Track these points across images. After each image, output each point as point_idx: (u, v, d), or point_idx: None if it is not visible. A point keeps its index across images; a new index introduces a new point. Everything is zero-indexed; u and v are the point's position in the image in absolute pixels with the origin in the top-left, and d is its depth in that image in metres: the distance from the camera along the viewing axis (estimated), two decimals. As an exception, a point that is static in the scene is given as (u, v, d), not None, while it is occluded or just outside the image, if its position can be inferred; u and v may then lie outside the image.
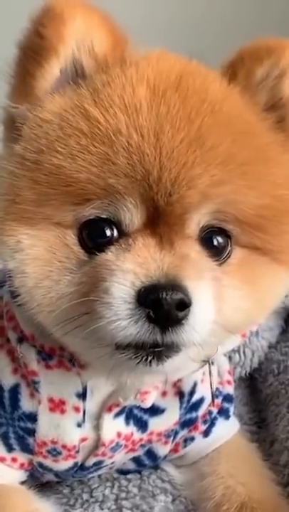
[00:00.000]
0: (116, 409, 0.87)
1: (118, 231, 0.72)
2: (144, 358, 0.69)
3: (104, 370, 0.79)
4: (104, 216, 0.71)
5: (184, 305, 0.66)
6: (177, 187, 0.69)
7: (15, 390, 0.87)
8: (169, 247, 0.70)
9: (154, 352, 0.69)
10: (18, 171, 0.71)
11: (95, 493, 0.95)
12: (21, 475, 0.92)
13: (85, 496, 0.95)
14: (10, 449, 0.89)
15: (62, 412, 0.86)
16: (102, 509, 0.92)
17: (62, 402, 0.85)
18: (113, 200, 0.70)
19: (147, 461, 0.97)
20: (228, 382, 1.02)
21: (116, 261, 0.69)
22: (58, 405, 0.86)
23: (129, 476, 0.98)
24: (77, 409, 0.86)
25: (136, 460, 0.96)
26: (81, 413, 0.86)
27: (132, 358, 0.69)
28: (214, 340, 0.74)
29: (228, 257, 0.75)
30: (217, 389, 0.98)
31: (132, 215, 0.71)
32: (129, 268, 0.68)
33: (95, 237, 0.72)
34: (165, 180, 0.68)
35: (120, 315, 0.66)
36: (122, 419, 0.88)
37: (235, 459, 0.95)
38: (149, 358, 0.69)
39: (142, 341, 0.67)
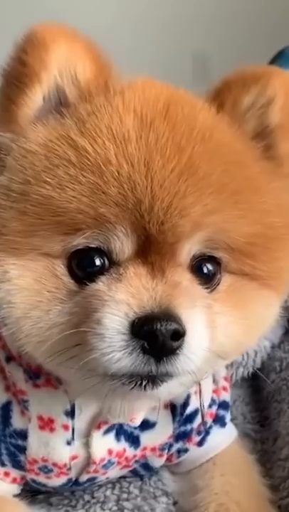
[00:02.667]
0: (105, 427, 0.88)
1: (108, 260, 0.72)
2: (138, 383, 0.69)
3: (96, 398, 0.80)
4: (94, 245, 0.71)
5: (179, 335, 0.67)
6: (170, 216, 0.69)
7: (6, 408, 0.89)
8: (161, 276, 0.71)
9: (149, 377, 0.69)
10: (3, 202, 0.71)
11: (96, 494, 0.97)
12: (14, 488, 0.94)
13: (87, 497, 0.97)
14: (2, 464, 0.90)
15: (52, 430, 0.87)
16: (104, 510, 0.94)
17: (51, 421, 0.86)
18: (104, 230, 0.70)
19: (143, 472, 0.99)
20: (224, 389, 1.03)
21: (108, 291, 0.69)
22: (47, 423, 0.86)
23: (130, 478, 1.00)
24: (66, 427, 0.87)
25: (131, 471, 0.97)
26: (70, 431, 0.87)
27: (126, 383, 0.70)
28: (206, 366, 0.74)
29: (218, 284, 0.76)
30: (212, 398, 0.98)
31: (123, 244, 0.71)
32: (122, 298, 0.68)
33: (85, 266, 0.72)
34: (157, 209, 0.69)
35: (114, 346, 0.66)
36: (112, 435, 0.89)
37: (231, 474, 0.95)
38: (144, 383, 0.70)
39: (136, 373, 0.68)
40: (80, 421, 0.86)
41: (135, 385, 0.69)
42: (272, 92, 0.78)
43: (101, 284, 0.70)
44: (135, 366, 0.67)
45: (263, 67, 0.82)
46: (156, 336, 0.65)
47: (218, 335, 0.73)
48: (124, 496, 0.96)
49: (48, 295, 0.71)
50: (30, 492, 0.96)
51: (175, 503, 0.95)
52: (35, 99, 0.73)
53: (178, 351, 0.67)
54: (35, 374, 0.85)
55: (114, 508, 0.93)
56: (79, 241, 0.70)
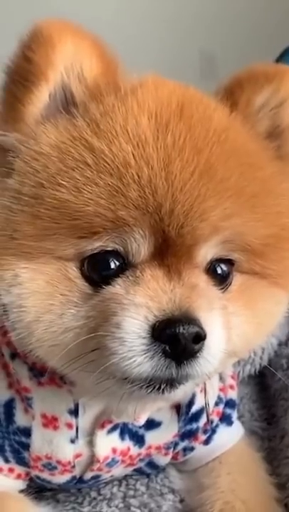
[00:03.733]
0: (109, 426, 0.88)
1: (124, 262, 0.71)
2: (156, 388, 0.69)
3: (110, 400, 0.80)
4: (109, 248, 0.70)
5: (200, 338, 0.67)
6: (190, 219, 0.69)
7: (9, 405, 0.89)
8: (178, 278, 0.70)
9: (167, 380, 0.69)
10: (14, 206, 0.70)
11: (102, 491, 0.98)
12: (20, 484, 0.94)
13: (93, 494, 0.97)
14: (6, 460, 0.91)
15: (55, 428, 0.87)
16: (110, 507, 0.94)
17: (54, 419, 0.86)
18: (121, 232, 0.69)
19: (149, 471, 0.99)
20: (231, 387, 1.03)
21: (126, 294, 0.68)
22: (50, 421, 0.87)
23: (136, 475, 1.01)
24: (69, 426, 0.87)
25: (136, 469, 0.98)
26: (74, 429, 0.87)
27: (144, 387, 0.69)
28: (220, 366, 0.74)
29: (230, 284, 0.76)
30: (219, 396, 0.98)
31: (140, 246, 0.70)
32: (142, 302, 0.67)
33: (100, 269, 0.71)
34: (178, 212, 0.68)
35: (135, 350, 0.66)
36: (116, 434, 0.89)
37: (238, 472, 0.95)
38: (162, 387, 0.70)
39: (156, 377, 0.68)
40: (84, 420, 0.87)
41: (153, 389, 0.69)
42: (285, 92, 0.78)
43: (118, 287, 0.69)
44: (156, 370, 0.66)
45: (274, 66, 0.81)
46: (179, 340, 0.65)
47: (232, 335, 0.73)
48: (131, 493, 0.96)
49: (60, 298, 0.70)
50: (37, 489, 0.96)
51: (181, 501, 0.96)
52: (41, 97, 0.72)
53: (198, 354, 0.67)
54: (40, 372, 0.85)
55: (121, 505, 0.94)
56: (95, 245, 0.69)
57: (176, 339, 0.65)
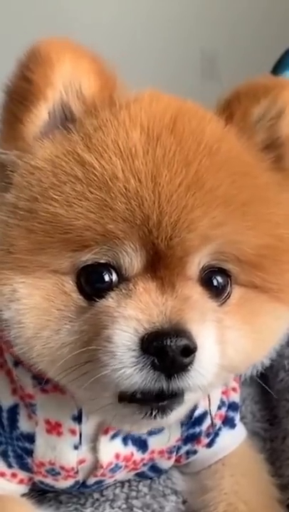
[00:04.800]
0: (112, 432, 0.88)
1: (117, 276, 0.72)
2: (148, 413, 0.70)
3: (106, 418, 0.81)
4: (103, 261, 0.71)
5: (189, 351, 0.67)
6: (178, 231, 0.69)
7: (13, 411, 0.89)
8: (171, 291, 0.70)
9: (159, 406, 0.70)
10: (11, 220, 0.71)
11: (105, 492, 0.98)
12: (22, 488, 0.94)
13: (96, 495, 0.97)
14: (9, 465, 0.91)
15: (59, 434, 0.87)
16: (113, 508, 0.94)
17: (58, 425, 0.87)
18: (112, 246, 0.70)
19: (152, 475, 1.00)
20: (234, 390, 1.03)
21: (117, 307, 0.69)
22: (54, 427, 0.87)
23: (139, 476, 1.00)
24: (73, 432, 0.87)
25: (139, 474, 0.98)
26: (77, 436, 0.87)
27: (136, 412, 0.70)
28: (216, 381, 0.75)
29: (228, 297, 0.76)
30: (221, 399, 0.98)
31: (132, 260, 0.71)
32: (132, 314, 0.68)
33: (94, 282, 0.72)
34: (165, 224, 0.69)
35: (125, 363, 0.66)
36: (119, 440, 0.90)
37: (240, 474, 0.96)
38: (154, 413, 0.70)
39: (147, 389, 0.67)
40: (88, 426, 0.87)
41: (145, 415, 0.70)
42: (283, 103, 0.78)
43: (110, 300, 0.70)
44: (146, 383, 0.66)
45: (273, 79, 0.83)
46: (166, 352, 0.65)
47: (228, 349, 0.73)
48: (134, 494, 0.96)
49: (56, 313, 0.71)
50: (40, 491, 0.97)
51: (184, 502, 0.96)
52: (40, 115, 0.73)
53: (189, 367, 0.67)
54: (43, 379, 0.85)
55: (124, 506, 0.94)
56: (88, 257, 0.70)
57: (164, 352, 0.65)
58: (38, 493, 0.96)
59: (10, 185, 0.72)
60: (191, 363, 0.67)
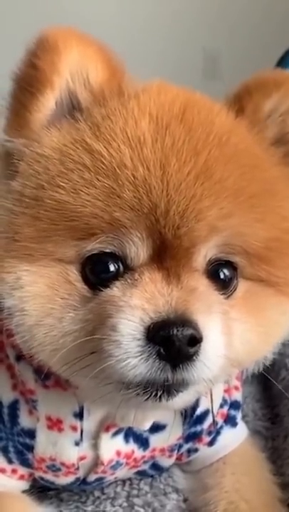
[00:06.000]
0: (114, 429, 0.88)
1: (123, 265, 0.72)
2: (153, 394, 0.69)
3: (109, 406, 0.80)
4: (108, 250, 0.71)
5: (195, 341, 0.66)
6: (186, 220, 0.69)
7: (14, 406, 0.89)
8: (177, 281, 0.70)
9: (164, 386, 0.69)
10: (16, 208, 0.71)
11: (106, 490, 0.98)
12: (22, 484, 0.95)
13: (97, 493, 0.98)
14: (10, 461, 0.91)
15: (60, 430, 0.87)
16: (114, 506, 0.95)
17: (59, 421, 0.87)
18: (118, 234, 0.70)
19: (153, 473, 1.00)
20: (236, 388, 1.03)
21: (123, 297, 0.69)
22: (55, 424, 0.87)
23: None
24: (74, 428, 0.87)
25: (140, 472, 0.98)
26: (78, 432, 0.87)
27: (141, 394, 0.69)
28: (222, 374, 0.75)
29: (234, 290, 0.76)
30: (223, 398, 0.98)
31: (138, 249, 0.71)
32: (137, 304, 0.67)
33: (99, 272, 0.71)
34: (173, 213, 0.68)
35: (130, 353, 0.66)
36: (120, 437, 0.90)
37: (242, 473, 0.96)
38: (159, 394, 0.69)
39: (152, 380, 0.67)
40: (89, 422, 0.87)
41: (150, 395, 0.69)
42: None
43: (116, 290, 0.70)
44: (151, 373, 0.66)
45: (283, 73, 0.82)
46: (173, 342, 0.65)
47: (234, 342, 0.73)
48: (135, 492, 0.97)
49: (60, 302, 0.71)
50: (41, 488, 0.97)
51: (185, 500, 0.96)
52: (47, 104, 0.73)
53: (194, 357, 0.67)
54: (45, 375, 0.84)
55: (125, 504, 0.94)
56: (93, 246, 0.70)
57: (170, 341, 0.65)
58: (39, 490, 0.96)
59: (16, 173, 0.72)
60: (196, 353, 0.67)
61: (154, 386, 0.69)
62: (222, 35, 3.93)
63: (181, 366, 0.66)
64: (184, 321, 0.66)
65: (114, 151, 0.69)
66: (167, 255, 0.70)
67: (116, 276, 0.71)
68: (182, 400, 0.72)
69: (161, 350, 0.65)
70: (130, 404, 0.73)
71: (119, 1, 3.99)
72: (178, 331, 0.65)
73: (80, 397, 0.85)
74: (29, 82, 0.72)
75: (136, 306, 0.67)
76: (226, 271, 0.75)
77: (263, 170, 0.76)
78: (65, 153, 0.71)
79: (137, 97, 0.74)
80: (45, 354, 0.72)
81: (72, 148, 0.71)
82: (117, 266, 0.71)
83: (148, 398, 0.69)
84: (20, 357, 0.87)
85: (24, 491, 0.94)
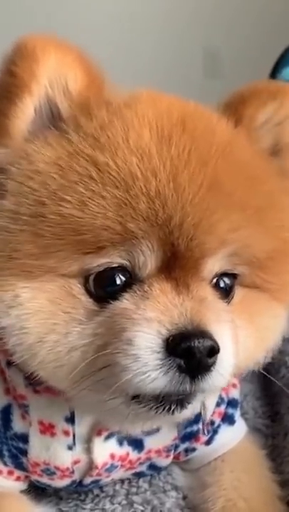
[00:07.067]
0: (106, 433, 0.87)
1: (130, 277, 0.71)
2: (166, 408, 0.69)
3: (116, 419, 0.79)
4: (115, 265, 0.70)
5: (214, 351, 0.67)
6: (199, 232, 0.69)
7: (7, 411, 0.88)
8: (186, 292, 0.70)
9: (178, 400, 0.69)
10: (12, 226, 0.69)
11: (105, 488, 0.97)
12: (20, 485, 0.94)
13: (96, 491, 0.97)
14: (5, 464, 0.91)
15: (52, 435, 0.86)
16: (113, 504, 0.94)
17: (51, 426, 0.86)
18: (128, 246, 0.69)
19: (151, 473, 0.99)
20: (234, 386, 1.02)
21: (136, 309, 0.68)
22: (47, 428, 0.86)
23: None
24: (66, 433, 0.86)
25: (138, 473, 0.98)
26: (71, 436, 0.86)
27: (154, 408, 0.69)
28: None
29: (232, 298, 0.76)
30: (220, 396, 0.97)
31: (147, 260, 0.70)
32: (153, 316, 0.67)
33: (105, 285, 0.70)
34: (187, 225, 0.68)
35: (149, 365, 0.65)
36: (113, 440, 0.89)
37: (241, 470, 0.95)
38: (173, 407, 0.69)
39: (170, 392, 0.67)
40: (81, 427, 0.86)
41: (163, 409, 0.69)
42: (287, 110, 0.79)
43: (127, 302, 0.69)
44: (170, 386, 0.66)
45: (277, 84, 0.82)
46: (194, 354, 0.65)
47: (239, 349, 0.73)
48: (134, 490, 0.96)
49: (64, 316, 0.69)
50: (40, 486, 0.96)
51: (184, 498, 0.96)
52: (26, 110, 0.71)
53: (212, 368, 0.67)
54: (36, 380, 0.82)
55: (124, 502, 0.94)
56: (101, 261, 0.68)
57: (192, 353, 0.65)
58: (40, 488, 0.95)
59: (5, 192, 0.70)
60: (214, 363, 0.67)
61: (169, 399, 0.68)
62: (222, 34, 3.92)
63: (199, 377, 0.66)
64: (202, 332, 0.66)
65: (121, 162, 0.67)
66: (176, 266, 0.70)
67: (123, 288, 0.70)
68: (190, 410, 0.72)
69: (182, 362, 0.65)
70: (140, 417, 0.72)
71: (119, 1, 3.99)
72: (199, 342, 0.64)
73: (72, 402, 0.83)
74: (7, 89, 0.70)
75: (152, 318, 0.66)
76: (226, 279, 0.75)
77: (265, 181, 0.76)
78: (64, 167, 0.69)
79: (132, 106, 0.72)
80: (48, 372, 0.71)
81: (71, 160, 0.69)
82: (123, 278, 0.70)
83: (162, 412, 0.69)
84: (10, 363, 0.85)
85: (22, 490, 0.93)
